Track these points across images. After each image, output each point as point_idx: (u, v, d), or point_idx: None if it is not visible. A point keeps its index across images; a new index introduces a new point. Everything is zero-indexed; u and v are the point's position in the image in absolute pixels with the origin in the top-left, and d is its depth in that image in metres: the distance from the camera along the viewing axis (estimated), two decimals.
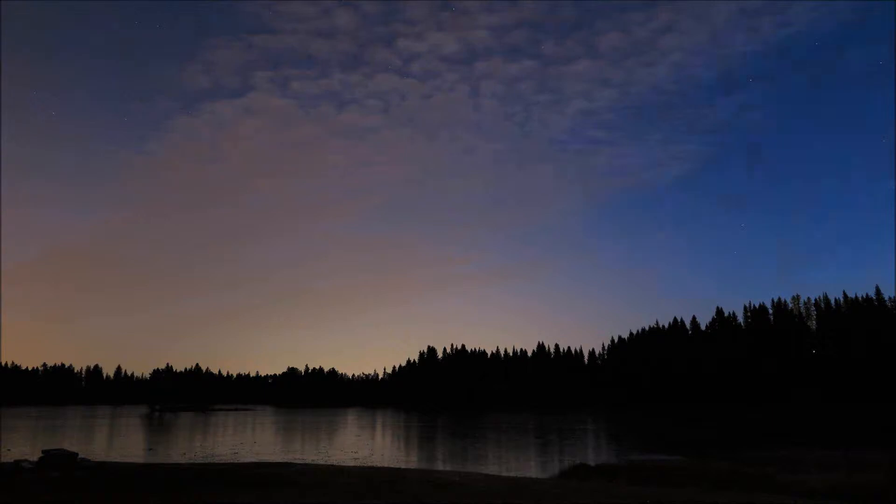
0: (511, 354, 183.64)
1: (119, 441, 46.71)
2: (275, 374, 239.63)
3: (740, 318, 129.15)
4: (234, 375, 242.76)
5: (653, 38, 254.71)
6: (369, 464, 29.24)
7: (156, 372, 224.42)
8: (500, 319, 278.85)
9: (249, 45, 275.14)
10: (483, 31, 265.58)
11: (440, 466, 29.37)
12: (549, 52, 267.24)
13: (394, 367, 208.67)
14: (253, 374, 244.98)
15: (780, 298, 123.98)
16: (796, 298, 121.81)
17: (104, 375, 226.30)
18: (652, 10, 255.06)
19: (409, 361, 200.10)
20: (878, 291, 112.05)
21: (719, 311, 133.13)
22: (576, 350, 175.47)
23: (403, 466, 28.06)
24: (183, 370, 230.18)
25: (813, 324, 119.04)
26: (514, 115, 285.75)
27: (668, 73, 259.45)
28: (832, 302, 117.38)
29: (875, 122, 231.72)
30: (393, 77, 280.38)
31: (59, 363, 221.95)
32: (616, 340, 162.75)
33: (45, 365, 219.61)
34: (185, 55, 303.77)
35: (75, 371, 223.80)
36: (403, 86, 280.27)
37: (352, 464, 28.88)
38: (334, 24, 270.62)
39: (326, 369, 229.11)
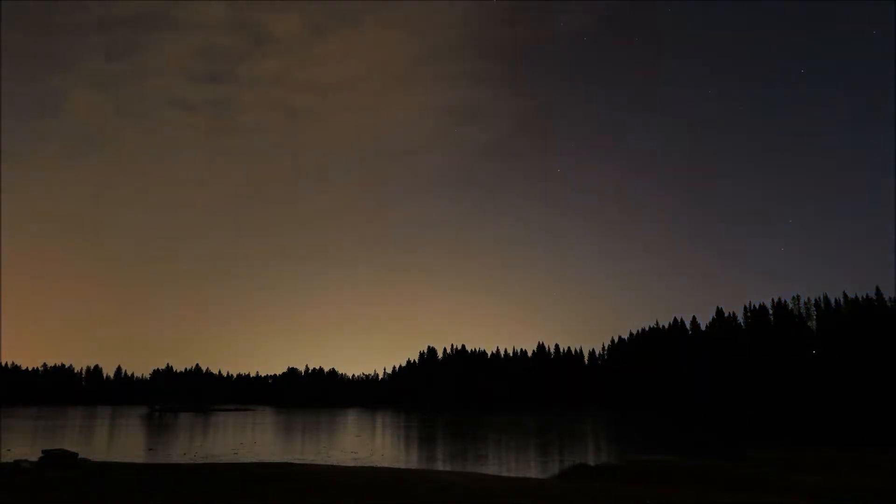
0: (511, 354, 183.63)
1: (119, 441, 46.68)
2: (275, 374, 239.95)
3: (740, 319, 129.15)
4: (234, 375, 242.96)
5: None
6: (369, 464, 29.22)
7: (156, 372, 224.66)
8: (501, 319, 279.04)
9: None
10: None
11: (440, 467, 29.35)
12: None
13: (394, 367, 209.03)
14: (253, 374, 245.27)
15: (780, 298, 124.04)
16: (796, 298, 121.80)
17: (104, 375, 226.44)
18: None
19: (409, 361, 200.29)
20: (878, 291, 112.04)
21: (719, 311, 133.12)
22: (576, 350, 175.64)
23: (403, 467, 28.04)
24: (183, 370, 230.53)
25: (813, 324, 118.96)
26: None
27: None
28: (832, 302, 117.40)
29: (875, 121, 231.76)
30: None
31: (59, 363, 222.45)
32: (616, 340, 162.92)
33: (45, 365, 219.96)
34: None
35: (75, 371, 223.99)
36: None
37: (352, 464, 28.86)
38: None
39: (326, 369, 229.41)
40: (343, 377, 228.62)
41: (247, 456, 34.04)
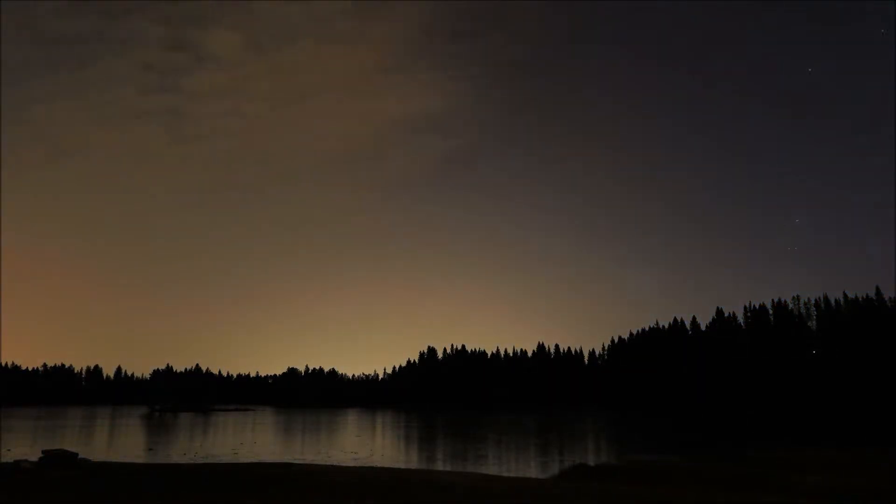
0: (511, 354, 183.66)
1: (119, 441, 46.67)
2: (275, 374, 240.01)
3: (740, 319, 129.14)
4: (234, 375, 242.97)
5: None
6: (369, 464, 29.21)
7: (156, 372, 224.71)
8: (501, 319, 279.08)
9: None
10: None
11: (440, 467, 29.35)
12: None
13: (394, 368, 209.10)
14: (253, 374, 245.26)
15: (780, 298, 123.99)
16: (796, 298, 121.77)
17: (104, 375, 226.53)
18: None
19: (409, 361, 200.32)
20: (878, 291, 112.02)
21: (719, 311, 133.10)
22: (576, 350, 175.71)
23: (403, 467, 28.04)
24: (183, 370, 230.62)
25: (813, 324, 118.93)
26: None
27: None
28: (832, 302, 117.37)
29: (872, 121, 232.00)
30: None
31: (59, 363, 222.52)
32: (616, 340, 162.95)
33: (45, 365, 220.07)
34: None
35: (75, 371, 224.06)
36: None
37: (352, 464, 28.86)
38: None
39: (326, 369, 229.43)
40: (343, 377, 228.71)
41: (247, 456, 34.03)
